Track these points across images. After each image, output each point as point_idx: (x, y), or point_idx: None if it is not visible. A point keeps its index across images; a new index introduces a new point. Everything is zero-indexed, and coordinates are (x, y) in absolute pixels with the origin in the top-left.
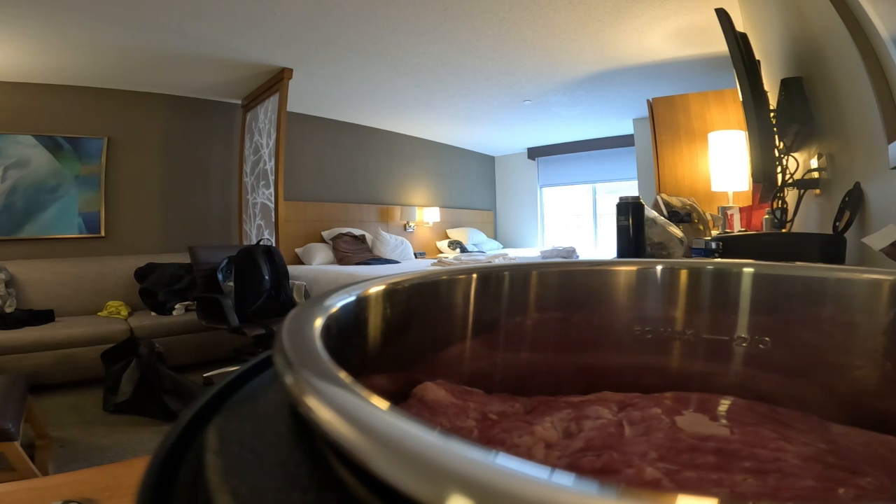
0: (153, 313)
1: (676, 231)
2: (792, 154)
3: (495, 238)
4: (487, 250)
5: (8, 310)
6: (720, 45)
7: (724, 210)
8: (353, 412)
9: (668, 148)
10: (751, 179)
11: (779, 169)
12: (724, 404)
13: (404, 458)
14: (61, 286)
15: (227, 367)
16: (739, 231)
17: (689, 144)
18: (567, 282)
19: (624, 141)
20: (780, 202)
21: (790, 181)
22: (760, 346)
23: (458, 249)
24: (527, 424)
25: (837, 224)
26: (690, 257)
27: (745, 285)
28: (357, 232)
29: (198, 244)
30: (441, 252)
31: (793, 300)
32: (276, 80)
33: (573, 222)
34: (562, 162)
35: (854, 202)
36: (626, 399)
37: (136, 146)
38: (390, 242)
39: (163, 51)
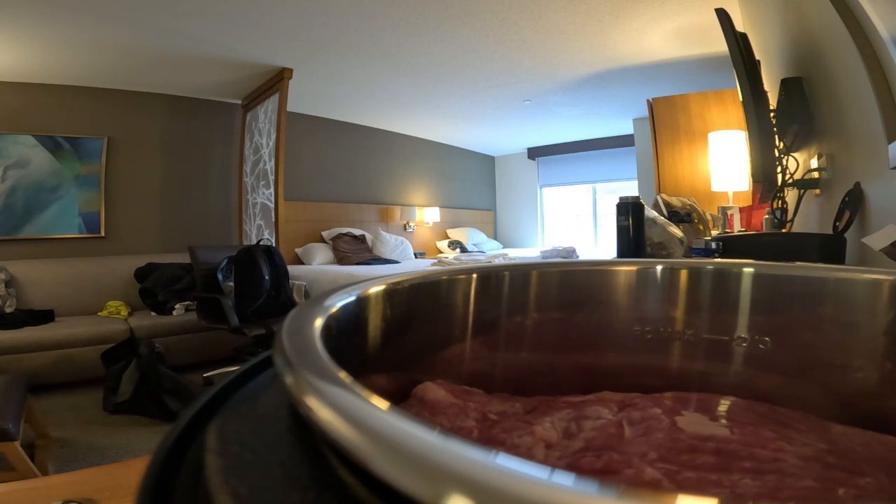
0: (153, 313)
1: (676, 231)
2: (792, 154)
3: (495, 238)
4: (487, 250)
5: (8, 310)
6: (720, 45)
7: (724, 210)
8: (353, 412)
9: (668, 148)
10: (751, 179)
11: (779, 169)
12: (723, 404)
13: (404, 458)
14: (61, 286)
15: (227, 367)
16: (739, 231)
17: (689, 144)
18: (567, 282)
19: (624, 141)
20: (780, 202)
21: (790, 181)
22: (760, 346)
23: (458, 249)
24: (527, 424)
25: (837, 224)
26: (690, 257)
27: (745, 285)
28: (357, 232)
29: (198, 244)
30: (441, 252)
31: (793, 300)
32: (276, 80)
33: (573, 222)
34: (562, 162)
35: (854, 202)
36: (626, 399)
37: (136, 146)
38: (390, 242)
39: (163, 51)
